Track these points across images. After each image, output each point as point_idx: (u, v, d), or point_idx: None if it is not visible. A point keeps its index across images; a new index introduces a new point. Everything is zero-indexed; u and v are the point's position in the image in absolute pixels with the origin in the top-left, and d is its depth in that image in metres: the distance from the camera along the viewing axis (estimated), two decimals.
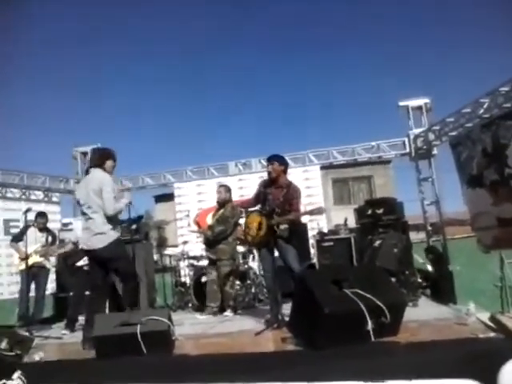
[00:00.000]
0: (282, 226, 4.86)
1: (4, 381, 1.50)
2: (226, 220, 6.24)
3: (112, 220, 4.56)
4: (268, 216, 4.86)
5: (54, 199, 9.27)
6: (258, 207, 5.21)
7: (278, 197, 4.92)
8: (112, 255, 4.51)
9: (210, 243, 6.33)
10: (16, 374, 1.55)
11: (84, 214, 4.61)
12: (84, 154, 9.84)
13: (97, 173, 4.59)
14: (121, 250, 4.66)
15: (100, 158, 4.70)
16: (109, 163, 4.70)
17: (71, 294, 6.56)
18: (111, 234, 4.52)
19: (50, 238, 6.72)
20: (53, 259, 7.10)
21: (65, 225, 8.40)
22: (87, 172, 4.77)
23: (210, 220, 6.68)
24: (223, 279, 6.13)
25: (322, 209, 5.16)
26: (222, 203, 6.39)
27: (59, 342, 5.21)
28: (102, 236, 4.48)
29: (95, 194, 4.47)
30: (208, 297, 6.19)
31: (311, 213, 5.19)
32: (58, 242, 7.11)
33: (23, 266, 6.06)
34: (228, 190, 6.47)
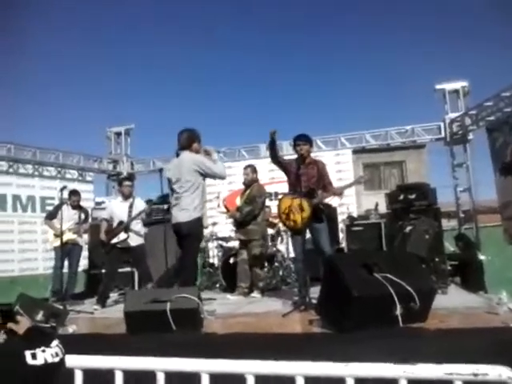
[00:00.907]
0: (321, 205, 4.89)
1: (43, 348, 1.55)
2: (254, 200, 6.19)
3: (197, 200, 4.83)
4: (309, 196, 4.84)
5: (88, 178, 9.50)
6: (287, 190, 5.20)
7: (312, 175, 4.94)
8: (190, 231, 4.77)
9: (240, 224, 6.32)
10: (55, 343, 1.60)
11: (174, 191, 4.91)
12: (117, 134, 10.01)
13: (186, 155, 4.86)
14: (198, 228, 4.91)
15: (187, 141, 4.92)
16: (195, 145, 4.93)
17: (103, 270, 6.74)
18: (195, 212, 4.78)
19: (82, 216, 6.86)
20: (85, 236, 7.27)
21: (98, 203, 8.57)
22: (177, 154, 4.98)
23: (238, 202, 6.71)
24: (254, 260, 6.13)
25: (362, 178, 5.13)
26: (249, 184, 6.36)
27: (91, 316, 5.36)
28: (188, 212, 4.75)
29: (189, 173, 4.77)
30: (239, 277, 6.18)
31: (354, 183, 5.24)
32: (90, 220, 7.29)
33: (58, 243, 6.21)
34: (254, 170, 6.41)
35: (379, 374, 1.57)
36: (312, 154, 5.29)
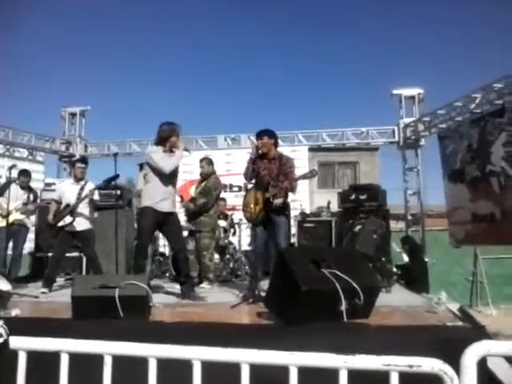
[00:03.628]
0: (277, 200, 4.92)
1: None
2: (209, 192, 6.20)
3: None
4: (264, 190, 4.91)
5: (39, 158, 9.19)
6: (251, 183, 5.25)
7: (272, 169, 5.01)
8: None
9: (191, 215, 6.31)
10: None
11: None
12: (72, 114, 9.73)
13: (148, 149, 5.45)
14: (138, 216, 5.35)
15: (162, 135, 5.08)
16: (173, 139, 5.06)
17: (49, 254, 6.58)
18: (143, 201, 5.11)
19: (31, 197, 6.66)
20: (33, 218, 7.07)
21: (48, 185, 8.32)
22: None
23: (192, 192, 6.69)
24: (202, 251, 6.14)
25: (315, 171, 5.21)
26: (206, 176, 6.36)
27: (35, 300, 5.21)
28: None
29: (144, 165, 5.16)
30: None
31: (305, 176, 5.22)
32: (39, 201, 7.08)
33: (3, 223, 6.02)
34: (210, 162, 6.42)
35: (321, 364, 1.63)
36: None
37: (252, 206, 4.89)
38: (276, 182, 4.95)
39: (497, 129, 5.20)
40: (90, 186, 6.00)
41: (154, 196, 4.91)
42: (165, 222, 4.98)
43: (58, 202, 5.94)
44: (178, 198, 7.17)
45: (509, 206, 4.93)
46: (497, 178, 5.10)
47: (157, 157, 4.90)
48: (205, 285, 6.01)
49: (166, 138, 4.99)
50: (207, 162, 6.39)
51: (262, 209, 4.89)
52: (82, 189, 5.91)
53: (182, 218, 7.16)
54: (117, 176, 5.73)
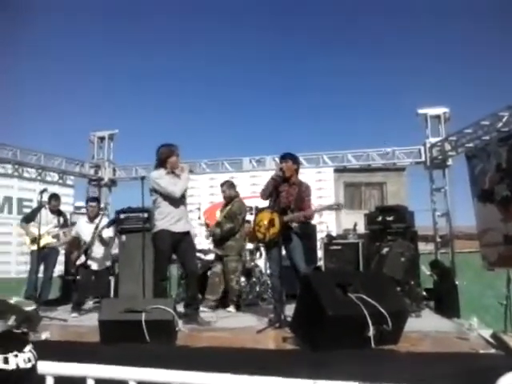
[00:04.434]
0: (295, 224, 4.93)
1: (16, 352, 1.54)
2: (235, 216, 6.21)
3: None
4: (281, 213, 4.90)
5: (69, 182, 9.38)
6: (267, 204, 5.25)
7: (291, 194, 5.01)
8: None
9: (219, 240, 6.31)
10: (28, 348, 1.58)
11: None
12: (101, 138, 9.94)
13: (152, 173, 5.21)
14: (153, 241, 5.13)
15: (161, 157, 5.12)
16: (172, 160, 5.08)
17: (78, 277, 6.70)
18: (154, 228, 5.10)
19: (61, 220, 6.81)
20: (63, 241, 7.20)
21: (77, 208, 8.50)
22: None
23: (218, 215, 6.71)
24: (229, 275, 6.13)
25: (341, 204, 5.19)
26: (229, 200, 6.37)
27: (64, 323, 5.29)
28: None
29: (150, 191, 5.14)
30: (208, 289, 6.18)
31: (330, 208, 5.22)
32: (69, 225, 7.22)
33: (35, 247, 6.16)
34: (231, 185, 6.42)
35: None
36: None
37: (266, 225, 4.91)
38: (295, 207, 4.95)
39: None
40: (103, 223, 6.20)
41: (169, 218, 4.96)
42: (180, 242, 5.02)
43: (76, 237, 6.29)
44: (203, 221, 7.25)
45: None
46: None
47: (164, 182, 4.94)
48: (231, 308, 5.99)
49: (165, 159, 5.04)
50: (228, 185, 6.40)
51: (277, 232, 4.87)
52: (96, 228, 6.11)
53: (209, 240, 7.23)
54: (113, 221, 6.14)
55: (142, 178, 5.64)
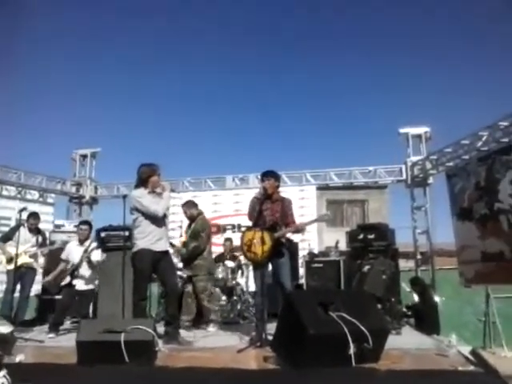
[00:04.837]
0: (284, 239, 5.00)
1: None
2: (198, 234, 6.15)
3: None
4: (271, 230, 4.91)
5: (49, 200, 9.27)
6: (249, 223, 5.26)
7: (276, 210, 5.03)
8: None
9: (186, 260, 6.23)
10: (2, 373, 1.56)
11: None
12: (83, 156, 9.89)
13: (132, 192, 5.15)
14: (133, 261, 5.05)
15: (142, 176, 5.08)
16: (153, 179, 5.06)
17: (57, 297, 6.59)
18: (134, 247, 5.04)
19: (40, 239, 6.70)
20: (41, 260, 7.08)
21: (57, 226, 8.39)
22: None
23: (183, 236, 6.65)
24: (199, 294, 6.04)
25: (328, 215, 5.25)
26: (192, 218, 6.31)
27: (40, 345, 5.15)
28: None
29: (131, 210, 5.08)
30: (183, 310, 6.09)
31: (318, 220, 5.36)
32: (48, 243, 7.11)
33: (12, 266, 6.05)
34: (191, 205, 6.40)
35: None
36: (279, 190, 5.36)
37: (256, 245, 4.87)
38: (281, 223, 4.99)
39: (504, 166, 5.21)
40: (92, 246, 6.18)
41: (150, 238, 4.92)
42: (160, 260, 4.97)
43: (66, 262, 6.16)
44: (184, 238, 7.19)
45: None
46: (505, 216, 5.06)
47: (146, 201, 4.90)
48: (211, 328, 5.91)
49: (147, 178, 5.02)
50: (188, 205, 6.38)
51: (270, 249, 4.87)
52: (85, 251, 6.09)
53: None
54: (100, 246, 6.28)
55: (124, 197, 5.59)
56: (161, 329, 4.99)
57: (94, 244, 6.23)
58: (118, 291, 5.44)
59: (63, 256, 6.23)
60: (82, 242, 6.23)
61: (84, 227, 6.37)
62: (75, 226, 7.39)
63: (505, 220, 5.11)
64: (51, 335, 5.63)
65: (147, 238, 4.91)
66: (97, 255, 6.17)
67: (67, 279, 5.99)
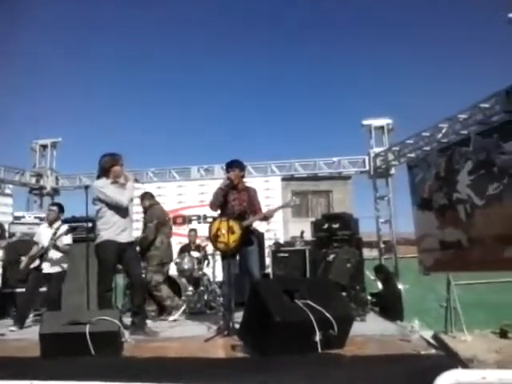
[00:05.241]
0: (252, 228, 5.06)
1: None
2: (145, 225, 6.19)
3: None
4: (239, 219, 4.94)
5: (7, 191, 8.97)
6: (214, 213, 5.27)
7: (243, 200, 5.08)
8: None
9: (141, 252, 6.17)
10: None
11: None
12: (43, 146, 9.63)
13: (95, 182, 5.06)
14: (96, 253, 4.98)
15: (104, 166, 5.02)
16: (116, 169, 5.00)
17: (17, 290, 6.43)
18: (97, 238, 4.98)
19: None
20: (0, 253, 6.89)
21: (17, 218, 8.15)
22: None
23: None
24: (149, 285, 5.99)
25: (294, 200, 5.32)
26: (145, 211, 6.38)
27: (1, 338, 5.06)
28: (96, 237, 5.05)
29: (94, 200, 5.02)
30: (147, 301, 6.01)
31: (286, 205, 5.53)
32: (7, 236, 6.92)
33: None
34: (145, 196, 6.47)
35: None
36: (244, 180, 5.37)
37: (226, 235, 4.86)
38: (249, 211, 5.03)
39: (463, 157, 5.37)
40: (62, 228, 5.97)
41: (115, 228, 4.87)
42: (125, 251, 4.93)
43: (37, 244, 5.98)
44: None
45: (475, 233, 5.05)
46: (463, 206, 5.24)
47: (110, 192, 4.84)
48: (175, 316, 5.87)
49: (109, 168, 4.97)
50: (141, 197, 6.48)
51: (239, 238, 4.89)
52: (55, 233, 5.90)
53: None
54: (73, 229, 6.07)
55: (86, 187, 5.49)
56: (127, 320, 4.95)
57: (64, 227, 6.04)
58: (83, 283, 5.36)
59: (34, 238, 6.08)
60: (50, 223, 6.06)
61: (52, 208, 6.23)
62: (36, 217, 7.21)
63: (462, 210, 5.28)
64: (12, 328, 5.48)
65: (111, 229, 4.85)
66: (67, 239, 5.98)
67: (36, 262, 5.80)
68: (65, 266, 6.00)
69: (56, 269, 5.90)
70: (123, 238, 4.90)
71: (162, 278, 6.11)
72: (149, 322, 5.30)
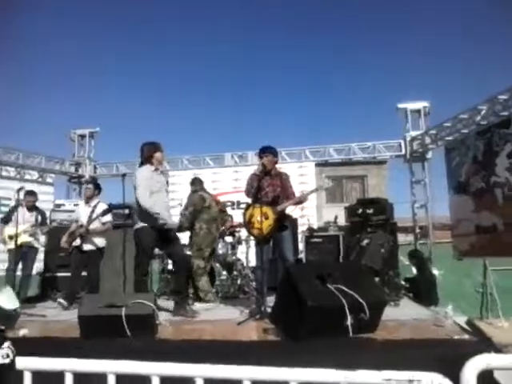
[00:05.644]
0: (286, 214, 5.08)
1: None
2: (181, 213, 6.35)
3: None
4: (273, 204, 4.98)
5: (49, 180, 9.27)
6: (248, 200, 5.29)
7: (277, 185, 5.10)
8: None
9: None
10: (6, 344, 1.60)
11: None
12: (82, 136, 9.87)
13: (137, 170, 5.17)
14: (137, 238, 5.12)
15: (145, 154, 5.16)
16: (157, 155, 5.16)
17: (58, 274, 6.69)
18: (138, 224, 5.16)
19: (39, 218, 6.73)
20: (42, 238, 7.13)
21: (57, 206, 8.41)
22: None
23: None
24: (193, 270, 6.07)
25: (327, 183, 5.31)
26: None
27: (43, 319, 5.26)
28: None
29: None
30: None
31: (319, 188, 5.47)
32: (48, 222, 7.15)
33: (12, 245, 6.10)
34: (191, 182, 6.60)
35: (322, 379, 1.63)
36: (277, 166, 5.38)
37: (260, 221, 4.90)
38: (283, 197, 5.05)
39: (502, 139, 5.21)
40: (101, 206, 6.16)
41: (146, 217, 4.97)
42: (165, 235, 5.03)
43: (76, 223, 6.21)
44: None
45: (511, 216, 4.92)
46: (501, 189, 5.10)
47: (141, 191, 4.93)
48: (203, 307, 5.89)
49: (152, 155, 5.10)
50: (191, 183, 6.63)
51: (274, 223, 4.92)
52: (92, 211, 6.07)
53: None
54: (110, 209, 6.16)
55: (123, 175, 5.61)
56: (162, 303, 5.07)
57: (103, 206, 6.21)
58: (119, 267, 5.51)
59: (73, 216, 6.33)
60: (87, 200, 6.26)
61: (88, 186, 6.45)
62: (75, 205, 7.43)
63: (500, 193, 5.14)
64: (61, 300, 5.85)
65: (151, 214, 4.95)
66: (106, 217, 6.17)
67: (77, 241, 6.02)
68: (103, 243, 6.19)
69: (95, 246, 6.10)
70: (165, 224, 5.00)
71: (203, 264, 6.16)
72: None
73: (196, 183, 6.56)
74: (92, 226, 6.04)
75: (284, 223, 5.06)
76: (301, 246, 7.54)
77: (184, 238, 6.41)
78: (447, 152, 6.54)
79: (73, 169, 9.65)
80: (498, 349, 3.31)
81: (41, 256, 7.28)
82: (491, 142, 5.39)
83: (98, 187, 6.47)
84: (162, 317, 4.42)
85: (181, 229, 6.14)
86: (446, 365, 2.48)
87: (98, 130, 10.00)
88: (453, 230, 6.16)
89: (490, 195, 5.25)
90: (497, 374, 2.73)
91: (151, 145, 5.17)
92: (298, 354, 3.23)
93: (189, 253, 6.26)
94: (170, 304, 5.67)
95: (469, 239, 5.69)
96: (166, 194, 5.24)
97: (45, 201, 8.23)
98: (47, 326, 4.84)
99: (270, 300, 4.58)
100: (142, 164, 5.17)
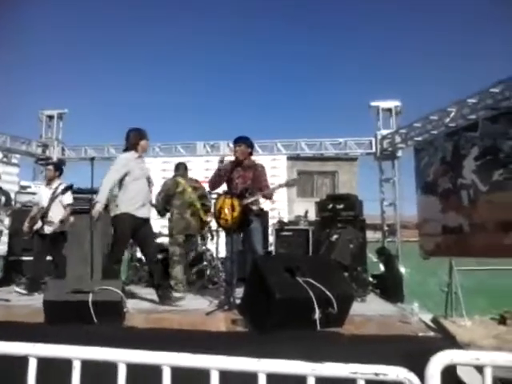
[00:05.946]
0: (255, 207, 5.01)
1: None
2: (156, 198, 6.26)
3: None
4: (240, 197, 4.93)
5: (14, 161, 9.02)
6: (221, 190, 5.27)
7: (248, 177, 5.06)
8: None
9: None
10: None
11: None
12: (50, 117, 9.62)
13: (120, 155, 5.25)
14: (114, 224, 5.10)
15: (131, 140, 5.13)
16: (142, 143, 5.16)
17: (23, 257, 6.53)
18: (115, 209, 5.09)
19: (3, 199, 6.53)
20: (6, 220, 6.95)
21: (23, 187, 8.20)
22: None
23: None
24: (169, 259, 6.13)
25: (296, 180, 5.29)
26: None
27: (6, 304, 5.13)
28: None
29: None
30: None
31: (286, 184, 5.34)
32: (13, 204, 6.97)
33: None
34: (175, 169, 6.57)
35: (289, 371, 1.64)
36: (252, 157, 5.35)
37: (227, 212, 4.90)
38: (252, 189, 5.00)
39: (469, 143, 5.34)
40: (61, 187, 6.01)
41: (134, 202, 4.90)
42: (141, 227, 4.98)
43: (37, 206, 6.02)
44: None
45: (477, 219, 5.05)
46: (467, 191, 5.23)
47: (111, 176, 4.93)
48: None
49: (137, 142, 5.08)
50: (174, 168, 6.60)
51: (238, 215, 4.90)
52: (54, 193, 5.92)
53: (160, 224, 7.18)
54: (70, 187, 6.00)
55: (92, 159, 5.51)
56: (131, 291, 5.02)
57: (63, 186, 6.07)
58: (87, 253, 5.42)
59: (34, 199, 6.19)
60: (48, 182, 6.13)
61: (49, 167, 6.31)
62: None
63: (466, 195, 5.27)
64: (20, 290, 5.71)
65: (131, 202, 4.90)
66: (67, 199, 6.04)
67: (38, 224, 5.88)
68: (65, 227, 6.06)
69: (57, 230, 5.95)
70: (141, 213, 4.96)
71: (178, 251, 6.15)
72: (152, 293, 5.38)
73: (180, 168, 6.53)
74: (54, 210, 5.90)
75: (253, 216, 5.04)
76: (271, 239, 7.58)
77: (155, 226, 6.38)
78: (416, 152, 6.66)
79: (40, 150, 9.38)
80: (460, 346, 3.42)
81: (5, 238, 7.09)
82: (459, 144, 5.52)
83: (58, 168, 6.32)
84: (130, 305, 4.36)
85: (158, 214, 6.19)
86: (412, 360, 2.53)
87: (66, 112, 9.76)
88: (420, 229, 6.29)
89: (457, 196, 5.38)
90: (459, 370, 2.82)
91: (137, 131, 5.14)
92: (265, 345, 3.24)
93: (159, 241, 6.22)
94: (139, 292, 5.64)
95: (435, 239, 5.82)
96: (147, 182, 5.16)
97: (9, 182, 8.03)
98: (11, 311, 4.74)
99: (239, 291, 4.59)
100: (126, 150, 5.14)
